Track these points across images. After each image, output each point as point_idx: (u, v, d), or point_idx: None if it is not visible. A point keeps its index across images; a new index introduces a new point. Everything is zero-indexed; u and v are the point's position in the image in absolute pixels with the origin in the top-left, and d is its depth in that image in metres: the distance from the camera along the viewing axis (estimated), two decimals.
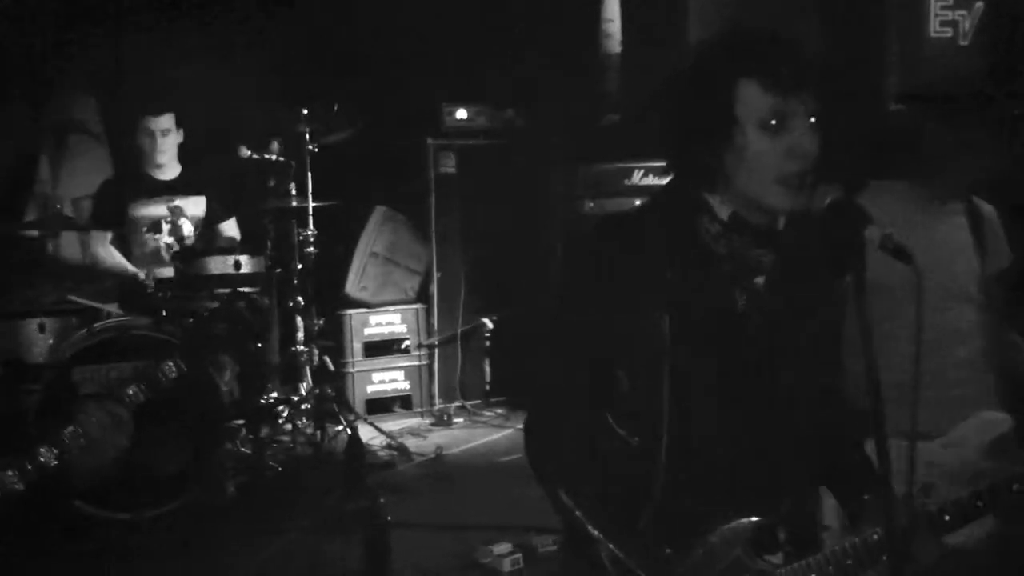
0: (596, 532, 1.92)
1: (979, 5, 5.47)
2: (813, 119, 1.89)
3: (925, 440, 2.90)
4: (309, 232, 6.21)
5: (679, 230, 1.99)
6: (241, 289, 5.05)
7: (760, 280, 2.01)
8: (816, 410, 2.08)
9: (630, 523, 1.96)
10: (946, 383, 2.93)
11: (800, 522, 2.05)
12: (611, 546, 1.90)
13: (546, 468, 2.03)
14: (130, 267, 5.74)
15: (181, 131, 5.96)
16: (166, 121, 5.88)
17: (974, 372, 2.98)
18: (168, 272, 5.58)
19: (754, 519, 1.95)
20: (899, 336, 3.02)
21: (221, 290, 5.24)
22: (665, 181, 2.09)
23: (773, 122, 1.88)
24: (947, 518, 2.04)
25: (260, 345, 5.96)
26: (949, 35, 5.50)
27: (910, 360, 2.94)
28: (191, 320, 4.96)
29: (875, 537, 1.96)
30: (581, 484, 1.98)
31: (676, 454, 1.97)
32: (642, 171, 6.40)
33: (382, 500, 4.39)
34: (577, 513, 1.94)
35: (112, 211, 5.82)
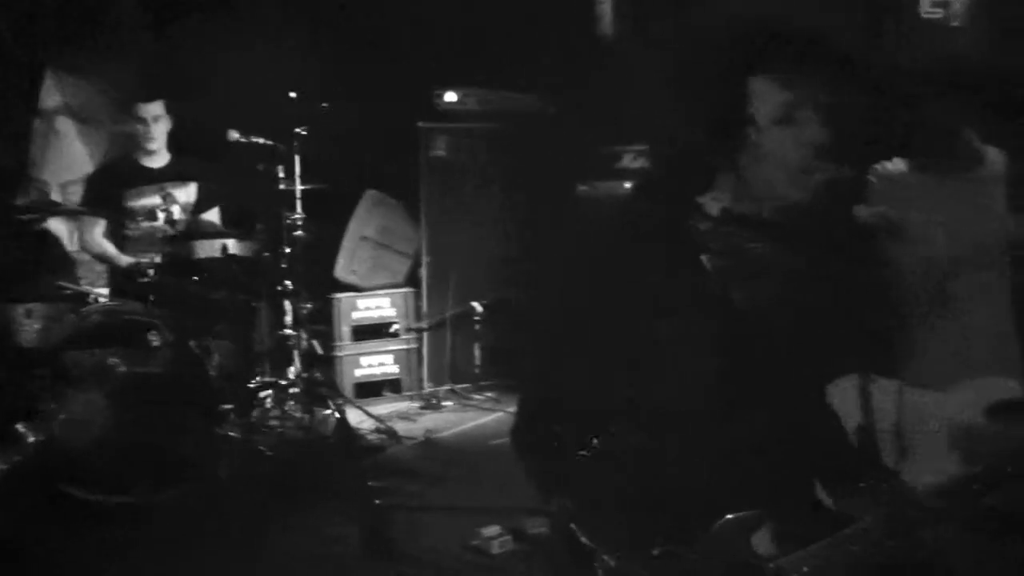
0: (590, 543, 1.90)
1: None
2: (823, 107, 1.89)
3: (927, 391, 2.93)
4: (297, 216, 6.18)
5: (669, 230, 1.98)
6: (233, 253, 5.04)
7: (757, 272, 1.99)
8: (812, 400, 2.08)
9: (623, 527, 1.94)
10: (959, 345, 2.99)
11: (797, 513, 2.04)
12: (605, 557, 1.88)
13: (532, 463, 2.02)
14: (123, 257, 5.70)
15: (171, 118, 5.92)
16: (156, 108, 5.84)
17: (989, 336, 3.02)
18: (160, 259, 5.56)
19: (751, 512, 1.94)
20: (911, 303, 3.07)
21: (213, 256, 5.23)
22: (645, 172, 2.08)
23: (784, 116, 1.88)
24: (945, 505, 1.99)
25: (257, 306, 5.95)
26: (940, 15, 5.48)
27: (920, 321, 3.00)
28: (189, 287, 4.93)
29: (873, 523, 1.94)
30: (570, 479, 1.96)
31: (673, 452, 1.96)
32: (632, 154, 6.38)
33: (371, 483, 4.38)
34: (571, 525, 1.92)
35: (103, 198, 5.78)
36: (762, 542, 1.92)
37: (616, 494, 1.96)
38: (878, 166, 3.13)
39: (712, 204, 1.97)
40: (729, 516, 1.92)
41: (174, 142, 5.96)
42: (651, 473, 1.96)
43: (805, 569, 1.93)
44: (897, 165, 3.12)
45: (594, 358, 1.98)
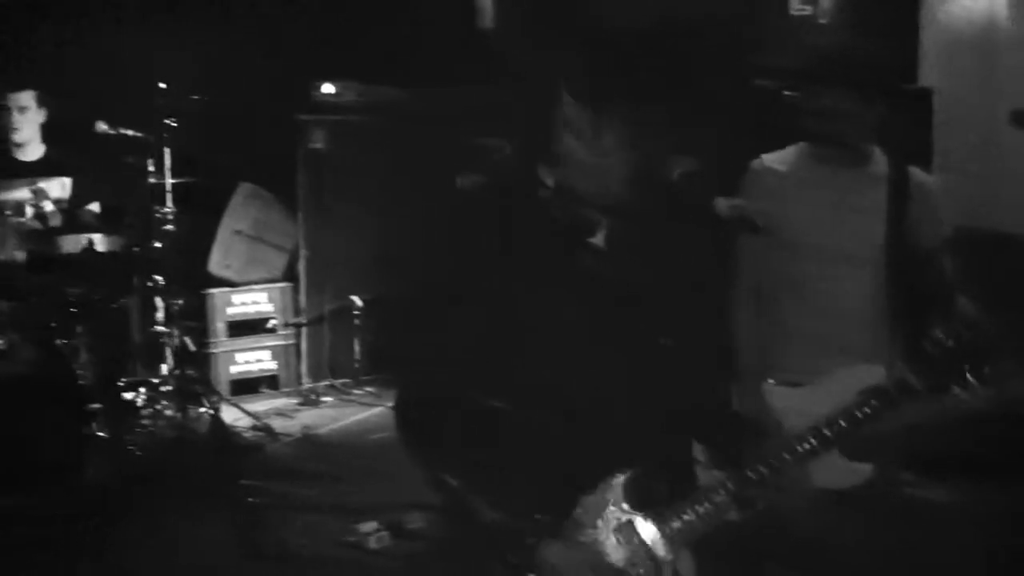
0: (477, 501, 1.93)
1: None
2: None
3: (796, 387, 2.99)
4: (168, 209, 6.03)
5: (525, 195, 2.02)
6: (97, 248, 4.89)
7: (599, 240, 2.01)
8: (678, 362, 2.10)
9: (509, 489, 1.96)
10: (830, 338, 3.03)
11: (674, 471, 2.08)
12: (493, 514, 1.93)
13: (421, 446, 2.01)
14: None
15: (44, 110, 5.70)
16: (25, 98, 5.62)
17: (860, 330, 3.06)
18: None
19: (629, 472, 2.00)
20: (780, 297, 3.13)
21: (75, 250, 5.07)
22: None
23: (584, 132, 1.96)
24: (807, 447, 2.18)
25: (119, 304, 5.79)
26: (809, 13, 5.61)
27: (791, 315, 3.07)
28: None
29: (740, 479, 2.00)
30: (457, 457, 1.97)
31: (542, 415, 1.97)
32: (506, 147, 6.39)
33: (245, 481, 4.29)
34: (457, 484, 1.92)
35: None
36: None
37: (501, 464, 1.97)
38: (767, 157, 3.17)
39: (547, 175, 2.02)
40: (603, 478, 1.98)
41: (49, 135, 5.75)
42: (529, 442, 1.97)
43: (674, 531, 2.01)
44: (789, 156, 3.16)
45: (469, 335, 2.00)
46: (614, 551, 1.96)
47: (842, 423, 2.17)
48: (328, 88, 7.02)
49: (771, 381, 3.08)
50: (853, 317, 3.08)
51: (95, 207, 5.87)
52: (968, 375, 2.11)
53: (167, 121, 6.02)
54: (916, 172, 3.17)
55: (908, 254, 3.09)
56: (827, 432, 2.14)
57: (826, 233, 3.07)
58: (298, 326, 7.08)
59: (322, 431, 6.26)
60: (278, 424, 6.26)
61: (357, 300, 7.09)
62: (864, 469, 2.95)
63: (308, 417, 6.56)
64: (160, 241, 6.06)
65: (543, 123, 1.97)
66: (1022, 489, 4.30)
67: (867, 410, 2.23)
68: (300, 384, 7.11)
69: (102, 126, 5.88)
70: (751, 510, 1.98)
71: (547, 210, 2.01)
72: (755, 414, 3.02)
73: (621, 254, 2.04)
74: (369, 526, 4.42)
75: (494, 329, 1.98)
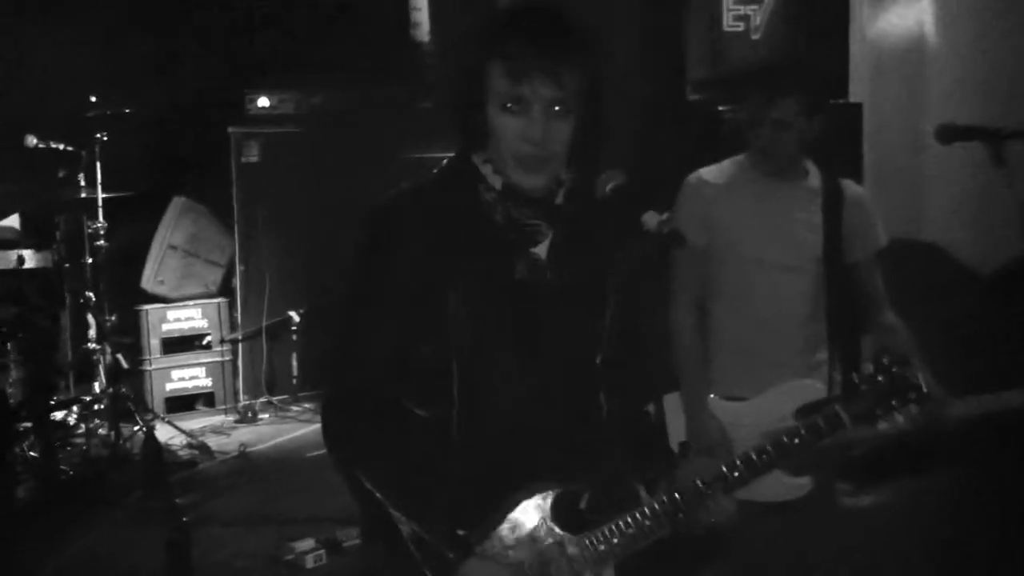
0: (398, 514, 1.90)
1: (769, 0, 5.68)
2: (557, 108, 1.92)
3: (737, 401, 3.01)
4: (100, 224, 5.94)
5: (461, 199, 2.01)
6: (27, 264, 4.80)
7: (541, 250, 2.02)
8: (606, 378, 2.11)
9: (431, 502, 1.94)
10: (769, 351, 3.07)
11: (600, 488, 2.08)
12: (414, 527, 1.89)
13: (344, 452, 1.99)
14: None
15: None
16: None
17: (799, 343, 3.11)
18: None
19: (554, 490, 1.98)
20: (719, 310, 3.16)
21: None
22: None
23: (510, 105, 1.92)
24: (736, 475, 2.11)
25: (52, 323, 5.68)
26: (741, 29, 5.68)
27: (732, 328, 3.11)
28: None
29: (669, 498, 2.01)
30: (380, 466, 1.95)
31: (469, 427, 1.97)
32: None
33: (179, 500, 4.23)
34: (378, 495, 1.91)
35: None
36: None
37: (426, 475, 1.96)
38: (704, 171, 3.20)
39: (495, 178, 2.00)
40: (529, 495, 1.96)
41: None
42: (456, 453, 1.97)
43: (600, 551, 1.99)
44: (726, 169, 3.19)
45: (398, 342, 1.98)
46: (539, 570, 1.95)
47: (771, 450, 2.21)
48: (263, 101, 6.95)
49: (713, 396, 3.12)
50: (792, 330, 3.12)
51: (15, 222, 5.78)
52: (895, 411, 2.16)
53: (98, 134, 5.93)
54: (850, 185, 3.22)
55: (843, 266, 3.13)
56: (755, 459, 2.17)
57: (764, 245, 3.10)
58: (234, 342, 7.00)
59: (259, 448, 6.19)
60: (214, 442, 6.19)
61: (294, 315, 7.02)
62: (804, 482, 3.00)
63: (245, 434, 6.49)
64: (92, 256, 5.97)
65: (484, 129, 1.97)
66: (949, 490, 4.39)
67: (796, 440, 2.27)
68: (237, 401, 7.02)
69: (31, 140, 5.78)
70: (682, 528, 1.98)
71: (489, 215, 2.00)
72: (699, 429, 3.06)
73: (561, 265, 2.03)
74: (306, 544, 4.38)
75: (424, 337, 1.97)
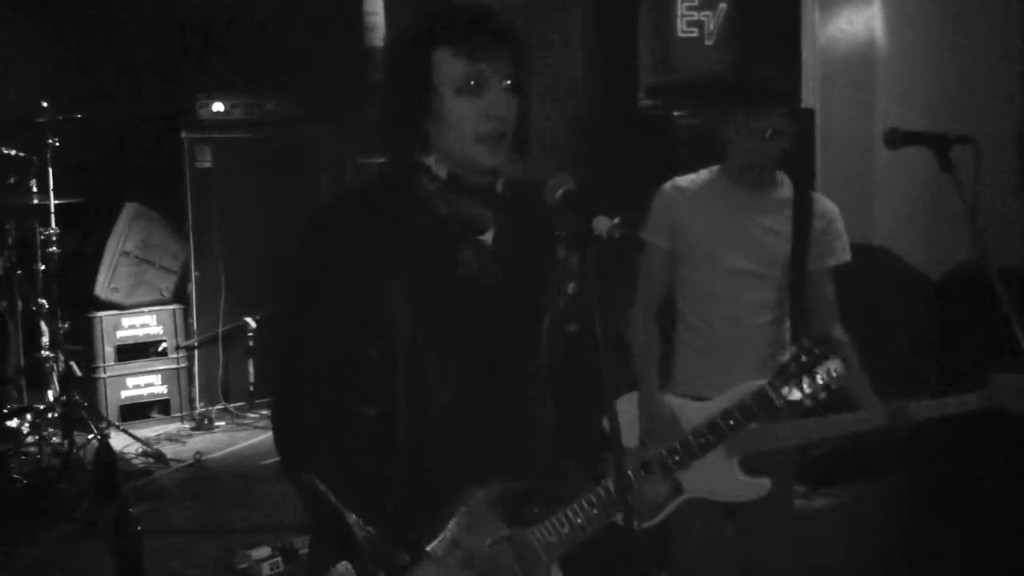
0: (349, 514, 1.90)
1: (723, 6, 5.72)
2: (509, 82, 1.99)
3: (701, 401, 3.08)
4: (52, 231, 5.89)
5: (402, 196, 2.03)
6: None
7: (487, 238, 2.04)
8: (556, 370, 2.13)
9: (381, 502, 1.96)
10: (730, 352, 3.17)
11: (548, 483, 2.10)
12: (365, 527, 1.89)
13: (294, 456, 1.99)
14: None
15: None
16: None
17: (762, 346, 3.19)
18: None
19: (502, 486, 2.00)
20: (686, 313, 3.21)
21: None
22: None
23: (472, 83, 1.96)
24: (676, 458, 2.27)
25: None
26: (695, 35, 5.72)
27: (698, 331, 3.16)
28: None
29: (613, 483, 2.06)
30: (330, 468, 1.95)
31: (415, 425, 1.98)
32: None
33: (132, 509, 4.19)
34: (328, 500, 1.91)
35: None
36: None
37: (371, 474, 1.97)
38: (679, 179, 3.26)
39: (439, 167, 2.03)
40: (476, 492, 1.99)
41: None
42: (403, 453, 1.98)
43: (547, 545, 2.04)
44: (701, 178, 3.25)
45: (343, 343, 1.99)
46: (489, 566, 1.96)
47: (706, 431, 2.32)
48: (217, 106, 6.91)
49: (670, 395, 3.16)
50: (755, 334, 3.19)
51: None
52: (816, 376, 2.28)
53: (50, 140, 5.87)
54: (821, 198, 3.29)
55: (806, 273, 3.19)
56: (692, 441, 2.27)
57: (730, 252, 3.16)
58: (189, 349, 6.94)
59: (215, 456, 6.14)
60: (169, 450, 6.13)
61: (250, 321, 6.97)
62: (764, 483, 3.04)
63: (200, 442, 6.42)
64: (44, 263, 5.91)
65: (426, 125, 2.00)
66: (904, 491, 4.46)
67: (731, 422, 2.38)
68: (192, 408, 6.95)
69: None
70: (628, 515, 2.00)
71: (433, 208, 2.02)
72: (649, 416, 3.10)
73: (506, 255, 2.05)
74: (262, 551, 4.35)
75: (370, 336, 1.97)
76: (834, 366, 2.27)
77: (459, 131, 1.97)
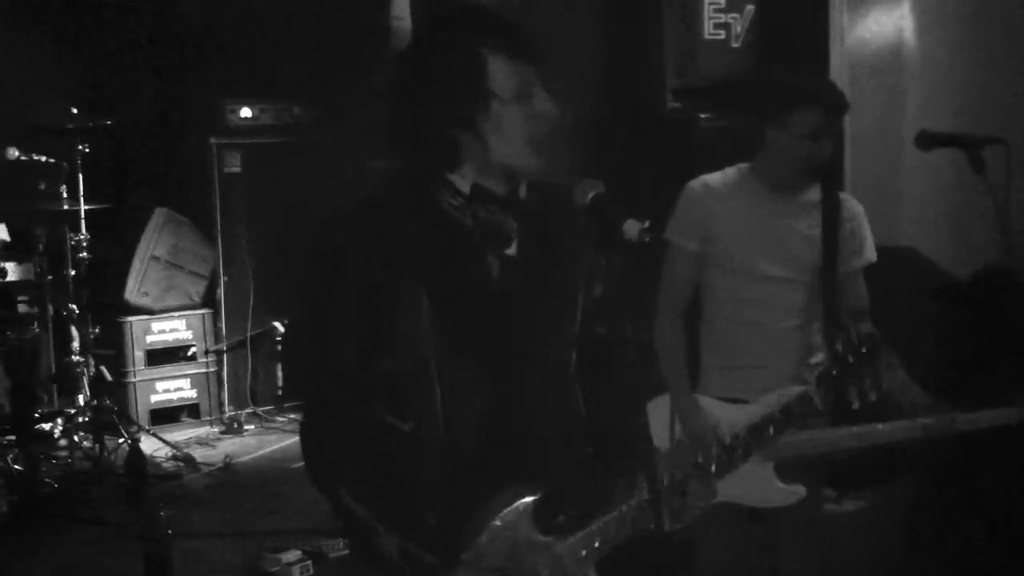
0: (382, 528, 1.89)
1: (750, 8, 5.69)
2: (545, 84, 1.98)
3: (734, 404, 3.04)
4: (82, 236, 5.94)
5: (423, 211, 2.00)
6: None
7: (512, 249, 2.03)
8: (583, 376, 2.13)
9: (415, 514, 1.94)
10: (759, 356, 3.12)
11: (580, 492, 2.08)
12: (400, 540, 1.89)
13: (324, 470, 1.98)
14: None
15: None
16: None
17: (790, 349, 3.15)
18: None
19: (534, 496, 1.97)
20: (718, 316, 3.19)
21: None
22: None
23: (529, 88, 1.95)
24: (714, 467, 2.20)
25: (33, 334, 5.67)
26: (722, 37, 5.69)
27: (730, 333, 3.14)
28: None
29: (648, 488, 2.00)
30: (361, 481, 1.94)
31: (449, 436, 1.96)
32: None
33: (163, 512, 4.21)
34: (360, 512, 1.91)
35: None
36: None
37: (406, 486, 1.96)
38: (707, 178, 3.21)
39: (462, 182, 2.00)
40: (510, 501, 1.96)
41: None
42: (434, 464, 1.97)
43: (583, 553, 2.01)
44: (729, 178, 3.20)
45: (374, 352, 1.96)
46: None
47: (745, 435, 2.27)
48: (245, 111, 6.95)
49: (705, 398, 3.13)
50: (785, 338, 3.15)
51: (3, 233, 5.77)
52: (864, 390, 2.21)
53: (80, 146, 5.93)
54: (848, 199, 3.25)
55: (837, 276, 3.16)
56: (733, 445, 2.22)
57: (760, 256, 3.12)
58: (219, 353, 6.98)
59: (244, 459, 6.17)
60: (199, 454, 6.17)
61: (279, 325, 7.01)
62: (798, 489, 3.02)
63: (230, 446, 6.46)
64: (74, 269, 5.96)
65: (457, 141, 1.97)
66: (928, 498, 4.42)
67: (770, 424, 2.33)
68: (222, 412, 7.00)
69: (13, 152, 5.78)
70: (666, 518, 1.99)
71: (457, 220, 1.99)
72: (686, 417, 3.08)
73: (533, 262, 2.04)
74: (292, 555, 4.36)
75: (398, 349, 1.96)
76: (883, 367, 2.23)
77: (512, 138, 1.95)
